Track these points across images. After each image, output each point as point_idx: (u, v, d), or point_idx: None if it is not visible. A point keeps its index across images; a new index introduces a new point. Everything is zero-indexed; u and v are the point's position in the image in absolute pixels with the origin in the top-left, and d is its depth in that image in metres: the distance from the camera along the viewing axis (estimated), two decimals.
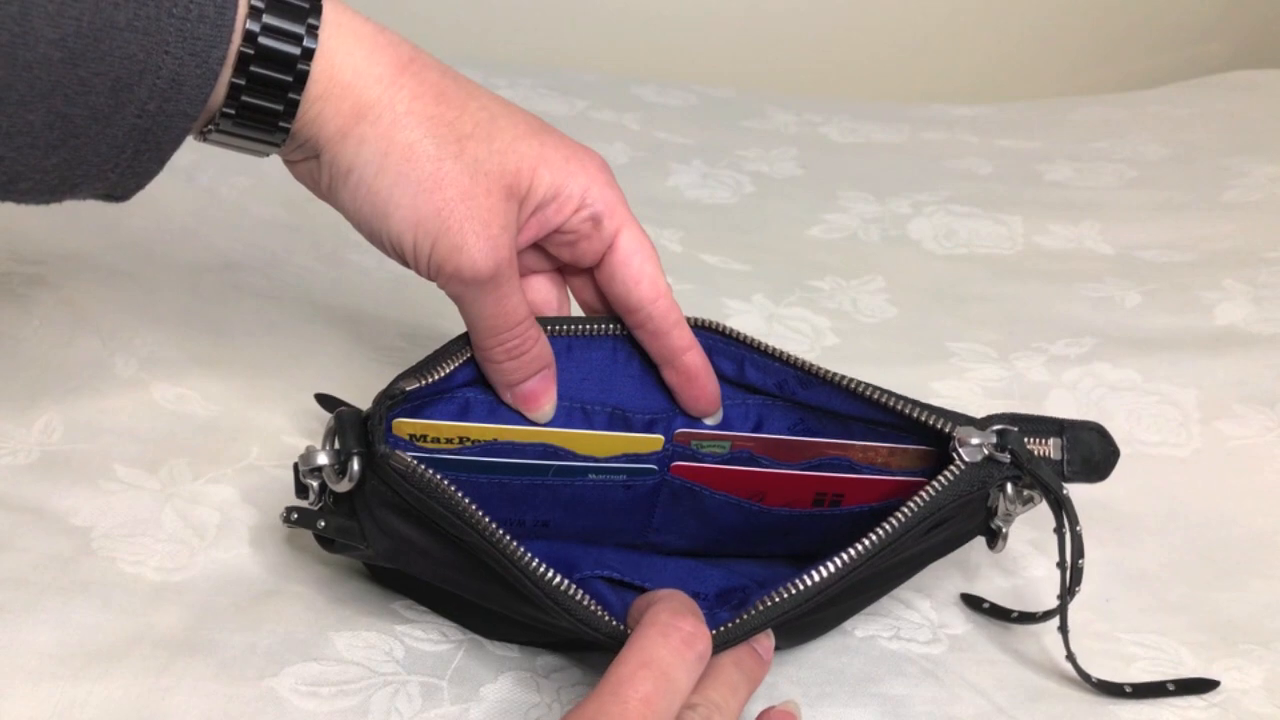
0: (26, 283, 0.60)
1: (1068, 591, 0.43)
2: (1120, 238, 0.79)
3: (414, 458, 0.39)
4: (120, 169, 0.38)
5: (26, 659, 0.40)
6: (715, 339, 0.47)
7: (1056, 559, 0.43)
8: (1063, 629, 0.43)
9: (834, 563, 0.39)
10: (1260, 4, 1.71)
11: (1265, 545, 0.52)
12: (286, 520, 0.41)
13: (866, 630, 0.47)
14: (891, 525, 0.40)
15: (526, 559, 0.38)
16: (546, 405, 0.45)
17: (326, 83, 0.39)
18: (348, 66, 0.40)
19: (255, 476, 0.51)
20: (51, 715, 0.38)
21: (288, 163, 0.43)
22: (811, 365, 0.46)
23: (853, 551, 0.39)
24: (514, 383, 0.44)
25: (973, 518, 0.44)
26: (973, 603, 0.48)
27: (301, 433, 0.53)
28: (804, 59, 1.55)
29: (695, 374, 0.46)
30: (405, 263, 0.43)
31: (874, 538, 0.40)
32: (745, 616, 0.39)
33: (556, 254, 0.46)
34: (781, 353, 0.46)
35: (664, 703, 0.34)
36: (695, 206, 0.84)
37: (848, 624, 0.47)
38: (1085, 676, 0.43)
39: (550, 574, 0.38)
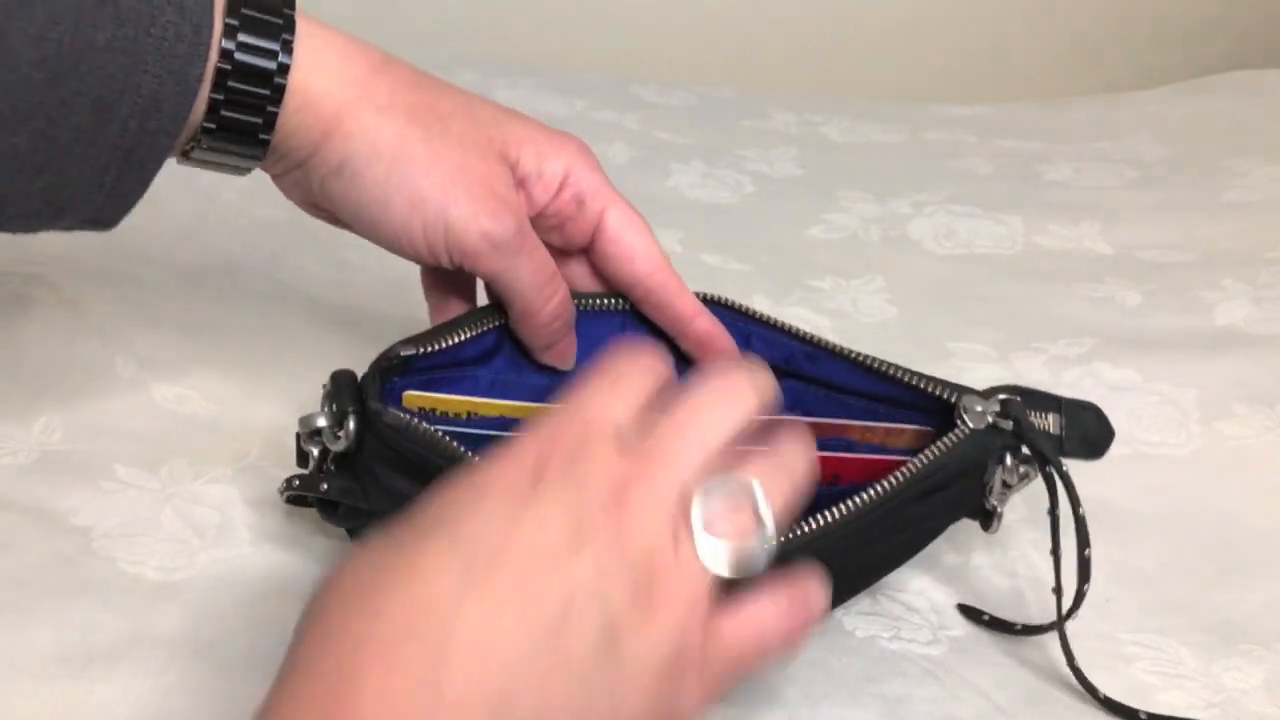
0: (26, 283, 0.60)
1: (1080, 585, 0.42)
2: (1120, 238, 0.79)
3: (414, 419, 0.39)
4: (105, 191, 0.38)
5: (26, 659, 0.40)
6: (722, 312, 0.47)
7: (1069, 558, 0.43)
8: (1061, 635, 0.42)
9: (840, 508, 0.39)
10: (1260, 4, 1.71)
11: (1265, 545, 0.52)
12: (287, 487, 0.42)
13: (867, 630, 0.47)
14: (896, 479, 0.40)
15: None
16: (572, 354, 0.46)
17: (303, 94, 0.40)
18: (323, 74, 0.40)
19: (255, 476, 0.51)
20: (51, 715, 0.38)
21: (274, 178, 0.44)
22: (817, 338, 0.46)
23: (858, 499, 0.39)
24: (555, 341, 0.45)
25: (968, 498, 0.44)
26: (972, 614, 0.48)
27: None
28: (804, 59, 1.55)
29: (710, 339, 0.46)
30: (418, 250, 0.42)
31: (880, 488, 0.40)
32: None
33: (547, 239, 0.46)
34: (788, 326, 0.47)
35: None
36: (695, 206, 0.84)
37: (848, 624, 0.47)
38: (1092, 691, 0.43)
39: None
